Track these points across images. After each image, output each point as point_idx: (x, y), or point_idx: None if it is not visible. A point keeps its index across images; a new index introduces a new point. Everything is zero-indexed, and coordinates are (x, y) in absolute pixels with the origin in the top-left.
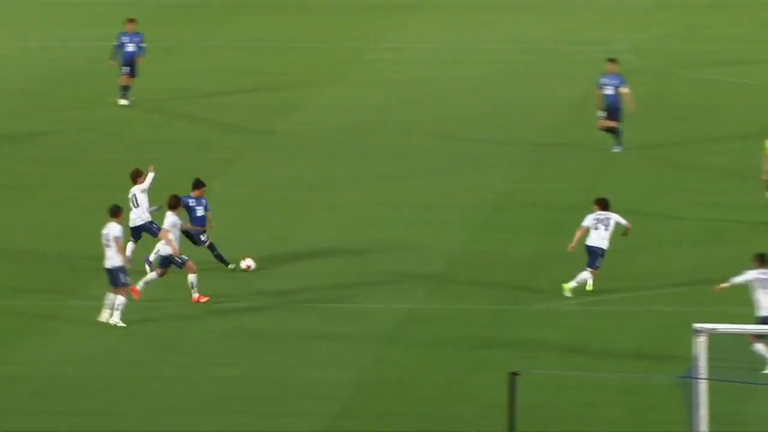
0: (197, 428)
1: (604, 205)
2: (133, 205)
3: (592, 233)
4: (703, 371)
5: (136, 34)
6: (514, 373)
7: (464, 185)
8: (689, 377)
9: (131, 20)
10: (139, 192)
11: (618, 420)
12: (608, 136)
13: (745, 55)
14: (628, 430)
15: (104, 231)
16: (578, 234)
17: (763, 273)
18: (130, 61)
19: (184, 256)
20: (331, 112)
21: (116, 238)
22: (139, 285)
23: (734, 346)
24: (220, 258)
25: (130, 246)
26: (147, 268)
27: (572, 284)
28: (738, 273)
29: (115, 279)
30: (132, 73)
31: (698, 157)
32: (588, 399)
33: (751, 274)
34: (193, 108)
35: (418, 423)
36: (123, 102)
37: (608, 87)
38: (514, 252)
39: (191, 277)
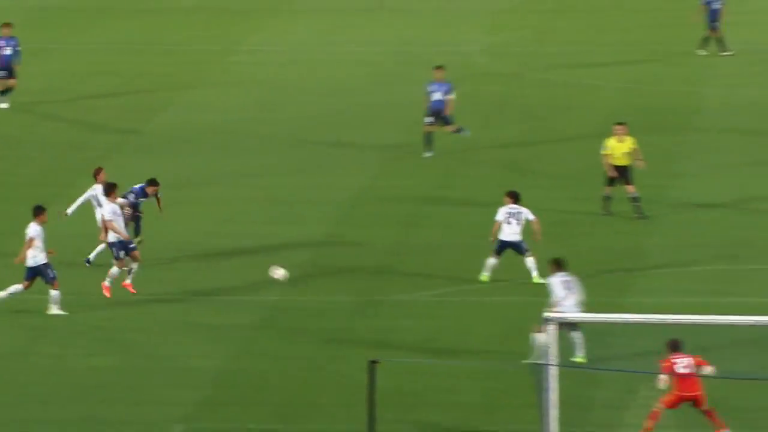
0: (68, 417)
1: (515, 197)
2: (97, 204)
3: (505, 227)
4: (553, 358)
5: (12, 38)
6: (374, 362)
7: (324, 182)
8: (540, 363)
9: (7, 24)
10: (101, 193)
11: (473, 405)
12: (430, 142)
13: (590, 57)
14: (483, 414)
15: (26, 230)
16: (495, 228)
17: (562, 276)
18: (7, 65)
19: (122, 253)
20: (196, 113)
21: (30, 239)
22: (107, 283)
23: (583, 334)
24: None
25: (100, 247)
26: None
27: (534, 273)
28: (582, 269)
29: (44, 275)
30: (9, 76)
31: (547, 154)
32: (445, 385)
33: (555, 281)
34: (62, 109)
35: (280, 411)
36: (2, 105)
37: (436, 93)
38: (373, 245)
39: (115, 270)
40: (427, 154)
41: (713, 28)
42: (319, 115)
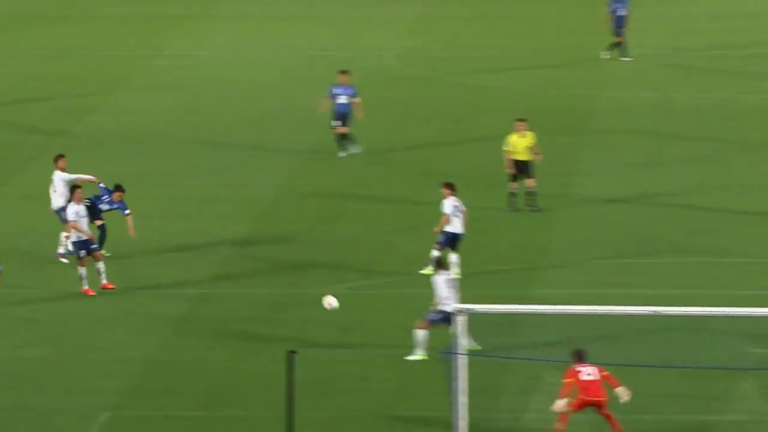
0: None
1: (454, 188)
2: (53, 189)
3: (454, 220)
4: (462, 347)
5: None
6: (293, 352)
7: (245, 181)
8: (450, 353)
9: None
10: (58, 178)
11: (387, 392)
12: (342, 142)
13: (498, 62)
14: (397, 401)
15: None
16: (444, 221)
17: (444, 274)
18: None
19: (82, 252)
20: (123, 115)
21: None
22: (85, 286)
23: (490, 325)
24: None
25: (63, 238)
26: (64, 260)
27: (456, 270)
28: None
29: None
30: None
31: (457, 153)
32: (360, 374)
33: (439, 280)
34: None
35: (203, 399)
36: None
37: (341, 96)
38: (293, 240)
39: (82, 271)
40: (342, 154)
41: (619, 34)
42: (240, 118)
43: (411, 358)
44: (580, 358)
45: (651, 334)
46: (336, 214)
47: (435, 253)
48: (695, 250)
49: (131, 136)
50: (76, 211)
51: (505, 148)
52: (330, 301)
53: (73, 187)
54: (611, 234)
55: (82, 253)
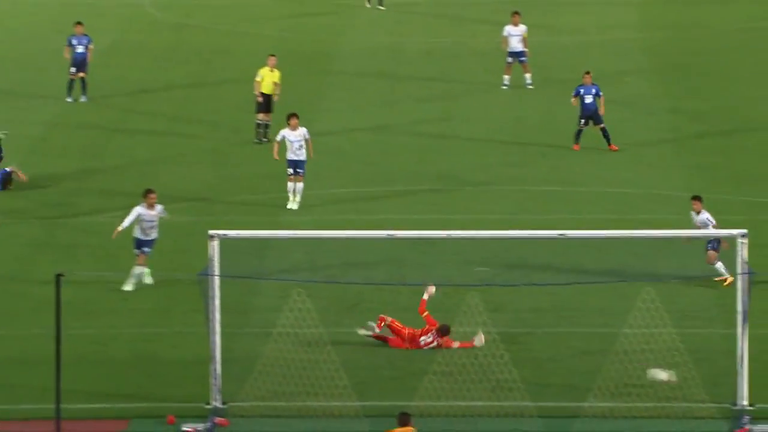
0: None
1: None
2: None
3: (293, 152)
4: (217, 269)
5: None
6: (60, 275)
7: (13, 119)
8: (205, 274)
9: None
10: None
11: (148, 310)
12: (73, 87)
13: (250, 10)
14: (157, 318)
15: None
16: (277, 147)
17: (143, 209)
18: None
19: None
20: None
21: None
22: None
23: (241, 250)
24: None
25: None
26: None
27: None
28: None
29: None
30: None
31: (209, 94)
32: (123, 295)
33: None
34: None
35: None
36: None
37: (79, 46)
38: (62, 172)
39: None
40: (69, 100)
41: None
42: (5, 61)
43: (125, 288)
44: (443, 332)
45: (388, 256)
46: (101, 148)
47: (290, 184)
48: (428, 177)
49: None
50: None
51: (256, 79)
52: (662, 375)
53: None
54: (351, 164)
55: None
